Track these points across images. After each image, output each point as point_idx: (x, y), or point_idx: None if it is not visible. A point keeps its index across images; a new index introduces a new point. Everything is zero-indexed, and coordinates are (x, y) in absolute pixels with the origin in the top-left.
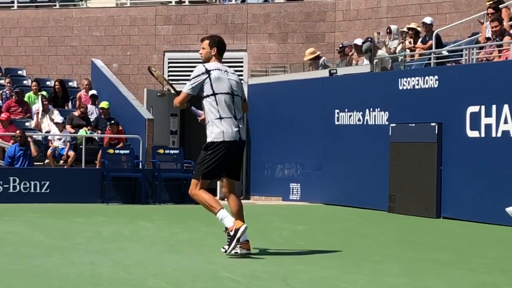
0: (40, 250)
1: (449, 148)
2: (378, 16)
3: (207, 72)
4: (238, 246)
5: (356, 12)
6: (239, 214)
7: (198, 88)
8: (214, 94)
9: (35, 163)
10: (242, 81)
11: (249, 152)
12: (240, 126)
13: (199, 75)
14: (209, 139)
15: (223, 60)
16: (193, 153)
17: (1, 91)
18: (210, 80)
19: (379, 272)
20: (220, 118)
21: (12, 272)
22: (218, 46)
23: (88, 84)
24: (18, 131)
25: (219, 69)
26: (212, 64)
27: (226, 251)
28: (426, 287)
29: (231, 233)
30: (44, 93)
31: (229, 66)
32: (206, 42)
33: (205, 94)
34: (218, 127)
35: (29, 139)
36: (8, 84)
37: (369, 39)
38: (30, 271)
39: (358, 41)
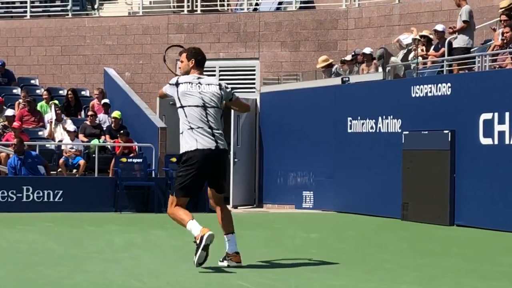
0: (52, 259)
1: (462, 156)
2: (390, 23)
3: (177, 84)
4: (228, 258)
5: (368, 19)
6: (227, 226)
7: (170, 96)
8: (182, 106)
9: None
10: (222, 87)
11: (261, 160)
12: (216, 135)
13: (171, 85)
14: (182, 150)
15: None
16: None
17: (17, 101)
18: (177, 94)
19: (392, 280)
20: (191, 128)
21: (24, 280)
22: (195, 57)
23: (101, 93)
24: (15, 140)
25: (190, 82)
26: (185, 77)
27: (194, 262)
28: None
29: (197, 242)
30: (56, 102)
31: (241, 74)
32: (184, 55)
33: (176, 105)
34: (190, 137)
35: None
36: (24, 97)
37: (383, 47)
38: (42, 279)
39: (367, 50)
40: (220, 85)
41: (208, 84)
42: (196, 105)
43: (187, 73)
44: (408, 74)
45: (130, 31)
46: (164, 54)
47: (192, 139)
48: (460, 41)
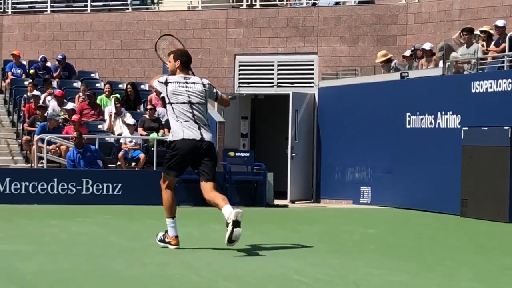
0: (111, 251)
1: None
2: (450, 18)
3: (166, 83)
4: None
5: (428, 14)
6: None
7: (160, 92)
8: (170, 103)
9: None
10: (206, 85)
11: (319, 155)
12: (202, 127)
13: (161, 83)
14: (169, 139)
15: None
16: (264, 156)
17: (77, 95)
18: (167, 92)
19: (451, 277)
20: (178, 121)
21: (83, 272)
22: (181, 59)
23: None
24: (74, 133)
25: (178, 82)
26: (174, 77)
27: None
28: None
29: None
30: (117, 95)
31: (300, 69)
32: (171, 56)
33: (166, 101)
34: (177, 128)
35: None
36: (83, 91)
37: (445, 41)
38: (101, 271)
39: (427, 46)
40: (203, 84)
41: (194, 83)
42: (183, 102)
43: (173, 72)
44: (468, 70)
45: (189, 25)
46: (155, 44)
47: (180, 130)
48: None
